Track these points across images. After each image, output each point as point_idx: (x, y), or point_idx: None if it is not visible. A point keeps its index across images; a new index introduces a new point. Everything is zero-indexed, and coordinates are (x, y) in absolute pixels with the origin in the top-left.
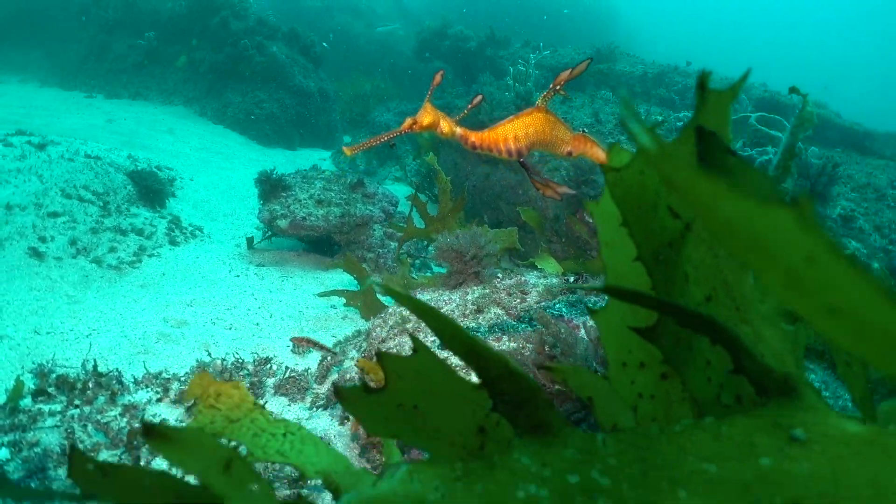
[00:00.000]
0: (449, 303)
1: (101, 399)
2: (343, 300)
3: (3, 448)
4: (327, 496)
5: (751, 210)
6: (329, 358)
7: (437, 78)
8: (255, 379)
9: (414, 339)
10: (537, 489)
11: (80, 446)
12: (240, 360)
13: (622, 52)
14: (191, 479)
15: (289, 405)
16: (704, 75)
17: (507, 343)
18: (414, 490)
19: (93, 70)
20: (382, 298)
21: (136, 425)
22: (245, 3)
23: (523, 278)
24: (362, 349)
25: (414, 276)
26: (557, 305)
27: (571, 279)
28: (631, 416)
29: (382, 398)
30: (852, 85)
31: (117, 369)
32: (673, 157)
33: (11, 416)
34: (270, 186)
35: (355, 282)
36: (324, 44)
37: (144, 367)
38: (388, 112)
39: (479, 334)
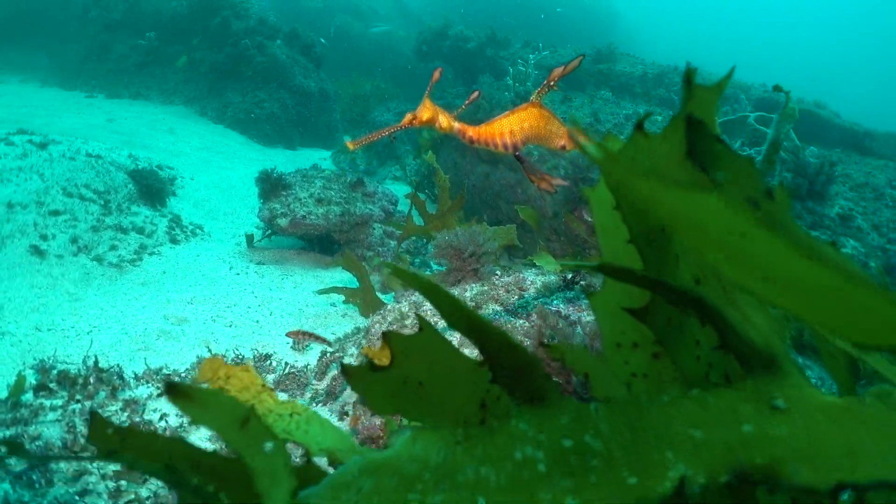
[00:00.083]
0: None
1: (102, 394)
2: (342, 298)
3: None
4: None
5: (687, 200)
6: (328, 353)
7: (436, 74)
8: None
9: (420, 317)
10: (533, 451)
11: (82, 440)
12: (240, 357)
13: (622, 53)
14: (203, 444)
15: (288, 401)
16: (690, 71)
17: None
18: (417, 452)
19: (93, 70)
20: (381, 296)
21: (137, 420)
22: (246, 4)
23: (521, 275)
24: (362, 346)
25: None
26: (555, 301)
27: (569, 276)
28: (625, 391)
29: (388, 375)
30: (852, 85)
31: (118, 365)
32: (619, 161)
33: (13, 410)
34: (271, 185)
35: (355, 280)
36: (321, 40)
37: (145, 364)
38: (388, 112)
39: None
